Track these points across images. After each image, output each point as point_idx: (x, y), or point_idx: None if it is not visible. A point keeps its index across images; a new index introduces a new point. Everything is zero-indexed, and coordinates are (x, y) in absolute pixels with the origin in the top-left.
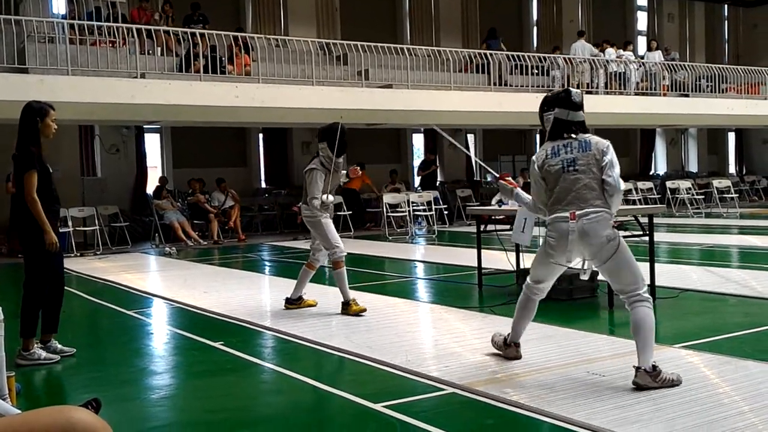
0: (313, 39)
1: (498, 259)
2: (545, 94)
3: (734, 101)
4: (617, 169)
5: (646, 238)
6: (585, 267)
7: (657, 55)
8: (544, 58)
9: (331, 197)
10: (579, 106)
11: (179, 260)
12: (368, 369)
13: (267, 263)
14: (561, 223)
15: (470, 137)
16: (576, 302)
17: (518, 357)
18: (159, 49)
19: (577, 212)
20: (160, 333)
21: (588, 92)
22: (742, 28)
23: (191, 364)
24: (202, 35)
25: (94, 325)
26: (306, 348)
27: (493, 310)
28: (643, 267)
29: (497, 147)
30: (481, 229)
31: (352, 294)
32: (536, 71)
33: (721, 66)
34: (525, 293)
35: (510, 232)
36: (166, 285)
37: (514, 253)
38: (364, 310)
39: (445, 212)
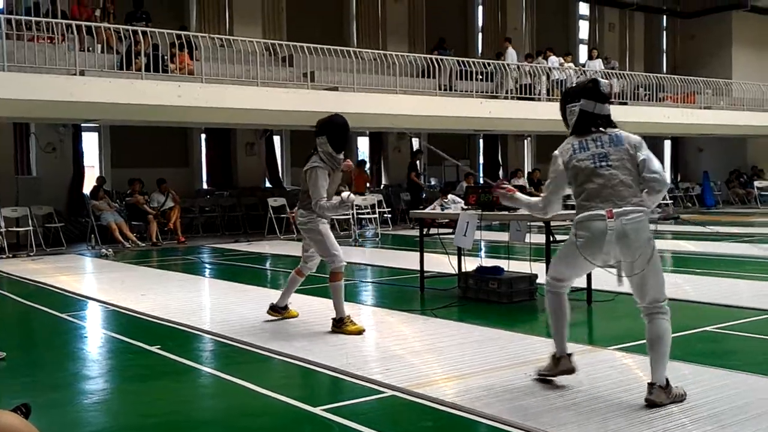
0: (259, 39)
1: (440, 263)
2: (578, 87)
3: (671, 110)
4: (658, 164)
5: None
6: (621, 273)
7: (597, 64)
8: (489, 64)
9: (353, 196)
10: (607, 98)
11: (116, 262)
12: (308, 372)
13: (207, 266)
14: (596, 222)
15: (415, 141)
16: (516, 305)
17: (573, 369)
18: (99, 46)
19: (615, 210)
20: (94, 336)
21: (530, 99)
22: (680, 39)
23: (126, 368)
24: (144, 33)
25: (26, 328)
26: (245, 352)
27: (434, 313)
28: None
29: (442, 151)
30: (424, 233)
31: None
32: (481, 77)
33: (659, 75)
34: (550, 292)
35: (452, 236)
36: (102, 287)
37: (456, 257)
38: (362, 331)
39: (389, 216)
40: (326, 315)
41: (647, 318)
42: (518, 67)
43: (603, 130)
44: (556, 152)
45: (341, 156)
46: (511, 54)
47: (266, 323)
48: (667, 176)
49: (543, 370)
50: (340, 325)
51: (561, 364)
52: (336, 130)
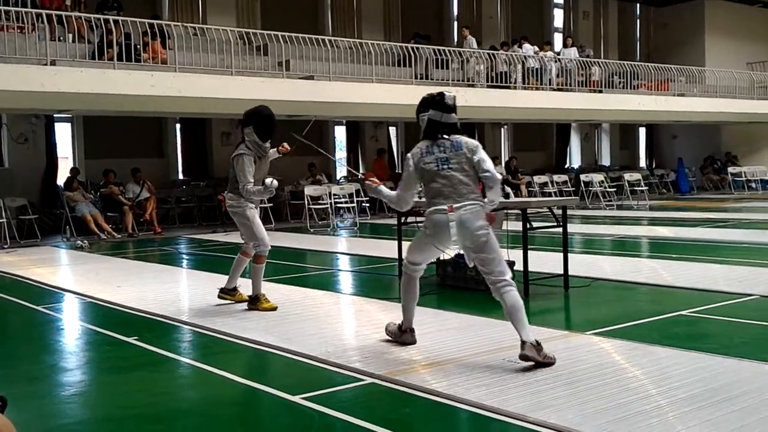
0: (233, 28)
1: None
2: (430, 97)
3: (645, 97)
4: (490, 163)
5: (560, 230)
6: (466, 257)
7: (572, 52)
8: (462, 53)
9: (275, 182)
10: (452, 109)
11: (92, 254)
12: (287, 361)
13: (184, 256)
14: (440, 215)
15: (392, 130)
16: None
17: (414, 342)
18: (71, 35)
19: (454, 205)
20: (71, 329)
21: (506, 87)
22: (653, 27)
23: (104, 359)
24: (116, 22)
25: (2, 321)
26: (223, 342)
27: None
28: (557, 257)
29: (418, 139)
30: (402, 221)
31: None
32: (456, 65)
33: (633, 63)
34: (406, 274)
35: None
36: (77, 279)
37: None
38: (275, 308)
39: (367, 205)
40: (305, 305)
41: (499, 293)
42: (494, 56)
43: (447, 137)
44: (409, 155)
45: (267, 144)
46: (470, 42)
47: (244, 313)
48: (497, 174)
49: (389, 333)
50: (255, 302)
51: (404, 336)
52: (262, 120)
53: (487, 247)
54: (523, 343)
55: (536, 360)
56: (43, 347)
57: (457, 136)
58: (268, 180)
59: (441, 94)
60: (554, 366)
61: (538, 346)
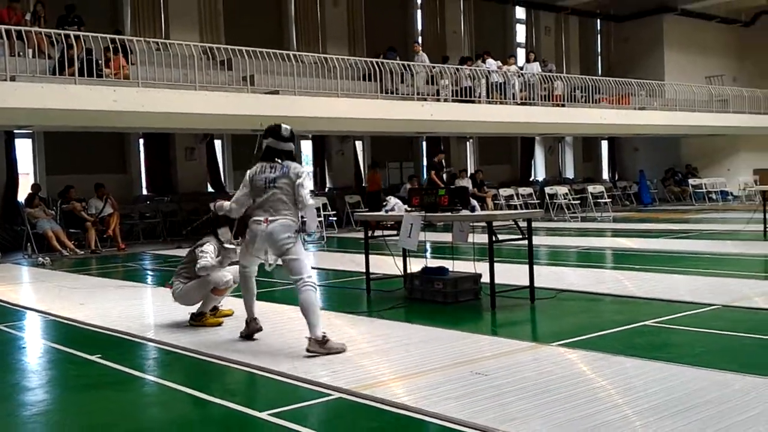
0: (196, 43)
1: (386, 264)
2: (271, 127)
3: (607, 111)
4: (306, 190)
5: (526, 242)
6: (270, 261)
7: (535, 67)
8: (432, 67)
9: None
10: (287, 139)
11: (54, 271)
12: (253, 378)
13: (149, 273)
14: (257, 225)
15: (358, 144)
16: (461, 305)
17: (259, 328)
18: (30, 51)
19: (269, 218)
20: (33, 347)
21: (470, 101)
22: (614, 42)
23: (67, 378)
24: (77, 37)
25: None
26: (189, 359)
27: (381, 314)
28: (523, 269)
29: (385, 154)
30: (369, 235)
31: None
32: (413, 81)
33: (594, 77)
34: (241, 275)
35: (397, 238)
36: (39, 297)
37: (401, 258)
38: (221, 323)
39: (334, 219)
40: (272, 320)
41: (299, 290)
42: (457, 70)
43: (279, 161)
44: (249, 171)
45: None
46: (422, 57)
47: (210, 329)
48: (310, 199)
49: (242, 332)
50: (198, 318)
51: (251, 326)
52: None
53: (290, 254)
54: (309, 340)
55: (320, 353)
56: (5, 366)
57: (290, 162)
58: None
59: (278, 126)
60: (521, 378)
61: (322, 340)
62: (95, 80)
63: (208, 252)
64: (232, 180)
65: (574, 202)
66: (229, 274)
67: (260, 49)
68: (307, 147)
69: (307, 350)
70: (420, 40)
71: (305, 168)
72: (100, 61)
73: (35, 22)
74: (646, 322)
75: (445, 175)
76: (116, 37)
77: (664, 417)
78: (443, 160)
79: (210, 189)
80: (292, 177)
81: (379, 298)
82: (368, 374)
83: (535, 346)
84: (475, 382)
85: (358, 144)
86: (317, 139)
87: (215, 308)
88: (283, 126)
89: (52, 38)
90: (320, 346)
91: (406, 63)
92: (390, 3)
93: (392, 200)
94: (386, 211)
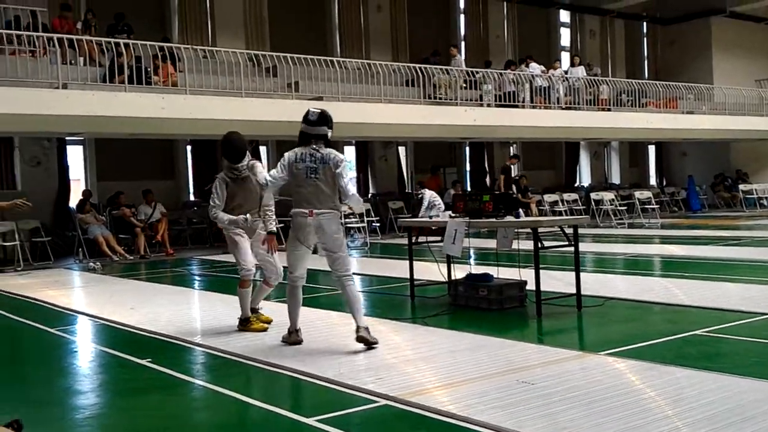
0: (242, 50)
1: (430, 271)
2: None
3: (653, 115)
4: (347, 179)
5: (572, 248)
6: (321, 253)
7: (580, 71)
8: (474, 72)
9: (249, 219)
10: (315, 123)
11: (104, 276)
12: (301, 383)
13: (197, 278)
14: (302, 218)
15: (401, 149)
16: (506, 312)
17: (300, 341)
18: (82, 59)
19: (315, 210)
20: (84, 351)
21: (514, 106)
22: (661, 45)
23: (117, 382)
24: (126, 45)
25: (16, 343)
26: (237, 364)
27: (425, 321)
28: (569, 276)
29: (428, 159)
30: (413, 241)
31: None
32: (465, 85)
33: (641, 81)
34: (289, 284)
35: (441, 244)
36: (90, 301)
37: (445, 265)
38: (266, 329)
39: (377, 224)
40: (317, 326)
41: (341, 284)
42: (501, 75)
43: (316, 148)
44: (286, 154)
45: (240, 165)
46: (459, 61)
47: (257, 334)
48: (353, 189)
49: (283, 338)
50: (245, 324)
51: (292, 337)
52: (225, 145)
53: (341, 247)
54: (358, 328)
55: (370, 339)
56: (57, 370)
57: (328, 150)
58: (242, 217)
59: (307, 111)
60: (570, 387)
61: (368, 330)
62: (144, 87)
63: (212, 195)
64: None
65: (620, 208)
66: (250, 263)
67: (304, 56)
68: (350, 153)
69: (362, 338)
70: (464, 45)
71: (341, 157)
72: (149, 69)
73: (86, 30)
74: (697, 332)
75: (514, 186)
76: (164, 45)
77: (717, 429)
78: (513, 166)
79: None
80: (332, 166)
81: (423, 304)
82: (414, 381)
83: (582, 354)
84: (522, 390)
85: (401, 150)
86: (360, 145)
87: (255, 311)
88: (311, 109)
89: (103, 46)
90: (368, 332)
91: (446, 68)
92: (433, 8)
93: (427, 193)
94: (424, 208)
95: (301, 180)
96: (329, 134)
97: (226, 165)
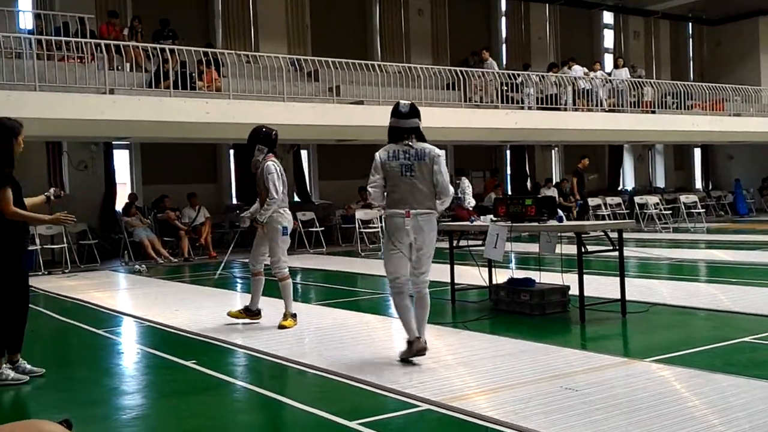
0: (284, 55)
1: (470, 275)
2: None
3: (699, 117)
4: (446, 176)
5: (616, 253)
6: (413, 257)
7: (624, 73)
8: (516, 74)
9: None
10: (406, 115)
11: (149, 278)
12: (342, 386)
13: (239, 280)
14: (398, 219)
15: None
16: (548, 317)
17: (424, 349)
18: (128, 64)
19: (411, 211)
20: (130, 352)
21: (556, 109)
22: (707, 46)
23: (163, 383)
24: (172, 51)
25: (63, 344)
26: (279, 366)
27: (466, 326)
28: (612, 281)
29: (468, 163)
30: (454, 245)
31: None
32: (506, 88)
33: (686, 83)
34: (393, 292)
35: (482, 248)
36: (136, 303)
37: (486, 269)
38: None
39: None
40: (357, 329)
41: (421, 289)
42: (543, 78)
43: (410, 144)
44: (378, 154)
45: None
46: (491, 64)
47: (299, 336)
48: (451, 189)
49: (402, 354)
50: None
51: (414, 346)
52: (268, 136)
53: (427, 244)
54: (418, 338)
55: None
56: (104, 370)
57: (423, 144)
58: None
59: (397, 103)
60: (613, 394)
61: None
62: (189, 93)
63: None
64: (317, 190)
65: (665, 212)
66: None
67: (345, 60)
68: None
69: (421, 350)
70: (505, 47)
71: (439, 152)
72: (193, 74)
73: (132, 36)
74: (745, 339)
75: (586, 180)
76: (209, 50)
77: None
78: (586, 166)
79: (297, 199)
80: (428, 162)
81: (464, 308)
82: (455, 386)
83: (627, 361)
84: (565, 397)
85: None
86: None
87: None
88: (401, 102)
89: (149, 52)
90: (425, 344)
91: (489, 71)
92: (474, 10)
93: (465, 181)
94: (468, 195)
95: (395, 179)
96: (421, 126)
97: (268, 151)
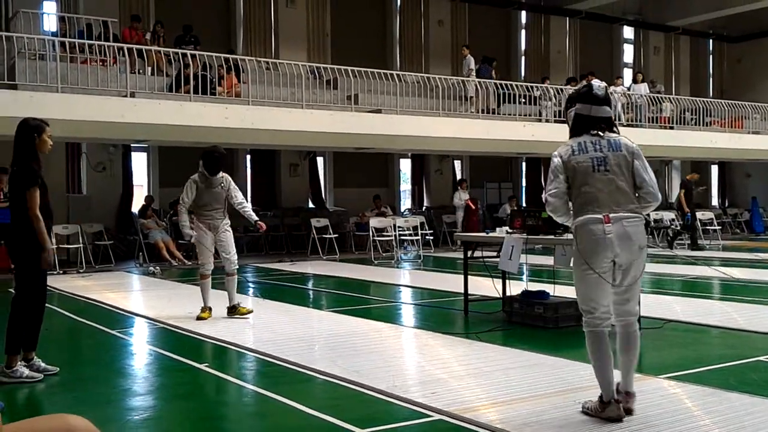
0: (304, 63)
1: (484, 286)
2: (581, 91)
3: (718, 134)
4: (651, 174)
5: None
6: (618, 280)
7: (643, 88)
8: (533, 87)
9: (190, 234)
10: (602, 101)
11: (163, 280)
12: (353, 394)
13: (251, 285)
14: (595, 225)
15: (457, 163)
16: (562, 330)
17: (620, 415)
18: (149, 68)
19: (612, 215)
20: (143, 353)
21: None
22: (727, 63)
23: (175, 385)
24: (193, 56)
25: (77, 344)
26: (291, 371)
27: (478, 337)
28: None
29: (484, 174)
30: (468, 256)
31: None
32: (524, 100)
33: (705, 99)
34: (587, 330)
35: (497, 259)
36: (149, 305)
37: (500, 280)
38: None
39: (430, 237)
40: (370, 337)
41: (623, 323)
42: (561, 90)
43: (601, 134)
44: (556, 152)
45: (214, 178)
46: (468, 62)
47: (311, 342)
48: (657, 190)
49: (590, 408)
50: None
51: (608, 409)
52: (209, 157)
53: (639, 268)
54: (627, 393)
55: (631, 409)
56: (116, 371)
57: (615, 134)
58: (188, 234)
59: (589, 85)
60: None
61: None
62: (209, 98)
63: (182, 193)
64: (332, 196)
65: (680, 228)
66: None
67: (364, 69)
68: (405, 165)
69: (619, 416)
70: (524, 59)
71: (636, 144)
72: (213, 80)
73: (155, 41)
74: (760, 358)
75: (694, 192)
76: (230, 56)
77: None
78: (695, 179)
79: (311, 205)
80: (626, 154)
81: (477, 320)
82: (467, 398)
83: (640, 377)
84: (577, 411)
85: (457, 163)
86: (416, 158)
87: (235, 307)
88: (595, 82)
89: (170, 57)
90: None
91: (506, 83)
92: (494, 22)
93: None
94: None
95: (585, 176)
96: (613, 117)
97: (202, 172)
